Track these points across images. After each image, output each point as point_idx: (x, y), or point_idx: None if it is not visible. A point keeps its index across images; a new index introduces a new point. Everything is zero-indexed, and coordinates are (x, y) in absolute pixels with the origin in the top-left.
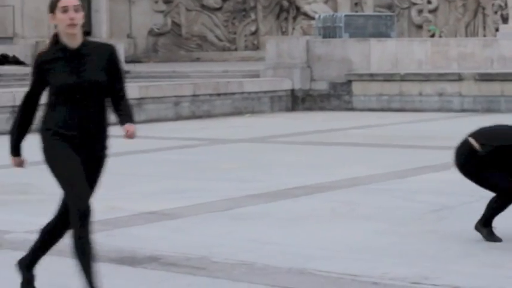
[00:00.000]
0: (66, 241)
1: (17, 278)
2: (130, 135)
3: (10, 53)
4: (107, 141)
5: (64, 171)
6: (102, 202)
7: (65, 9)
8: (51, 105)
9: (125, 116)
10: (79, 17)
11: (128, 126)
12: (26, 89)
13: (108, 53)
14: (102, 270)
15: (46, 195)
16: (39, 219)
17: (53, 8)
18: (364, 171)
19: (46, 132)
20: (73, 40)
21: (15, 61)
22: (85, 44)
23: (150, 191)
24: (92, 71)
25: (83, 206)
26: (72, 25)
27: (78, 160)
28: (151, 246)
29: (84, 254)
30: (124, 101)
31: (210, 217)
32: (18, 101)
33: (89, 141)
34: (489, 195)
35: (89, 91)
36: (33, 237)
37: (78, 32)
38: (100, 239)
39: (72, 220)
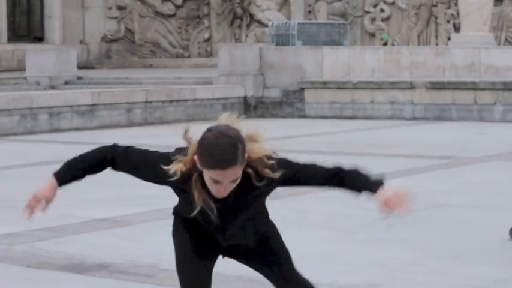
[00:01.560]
0: None
1: None
2: None
3: None
4: None
5: None
6: (52, 209)
7: (216, 182)
8: None
9: None
10: (233, 185)
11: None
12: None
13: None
14: (50, 277)
15: (3, 203)
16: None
17: (201, 164)
18: None
19: None
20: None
21: None
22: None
23: (101, 197)
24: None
25: None
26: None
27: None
28: (100, 254)
29: None
30: None
31: (161, 224)
32: None
33: None
34: (438, 202)
35: None
36: None
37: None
38: (49, 246)
39: None
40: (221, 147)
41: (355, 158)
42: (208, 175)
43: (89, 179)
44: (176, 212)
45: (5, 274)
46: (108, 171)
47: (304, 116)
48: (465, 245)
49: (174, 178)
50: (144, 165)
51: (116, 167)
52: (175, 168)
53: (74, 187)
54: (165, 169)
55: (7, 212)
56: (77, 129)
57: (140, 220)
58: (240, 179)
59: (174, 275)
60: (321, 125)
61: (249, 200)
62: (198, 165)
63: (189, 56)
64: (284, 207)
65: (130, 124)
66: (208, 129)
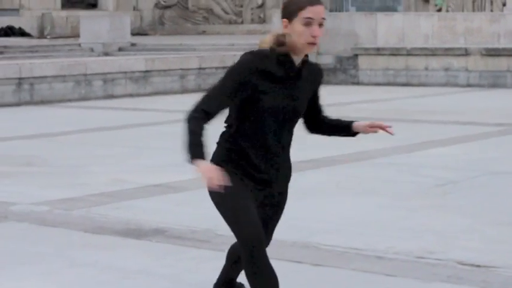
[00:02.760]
0: None
1: (22, 249)
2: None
3: (16, 25)
4: None
5: None
6: (107, 175)
7: (309, 22)
8: None
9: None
10: (321, 34)
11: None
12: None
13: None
14: (107, 242)
15: (51, 168)
16: (44, 191)
17: (290, 14)
18: (371, 146)
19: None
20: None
21: (21, 33)
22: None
23: (155, 163)
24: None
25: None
26: (313, 44)
27: None
28: (157, 219)
29: None
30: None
31: None
32: (24, 73)
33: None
34: (494, 170)
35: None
36: (39, 209)
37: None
38: (106, 211)
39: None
40: None
41: (409, 125)
42: (300, 19)
43: (142, 144)
44: (223, 159)
45: (62, 239)
46: (159, 140)
47: (358, 83)
48: None
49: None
50: (238, 84)
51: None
52: (264, 41)
53: (127, 153)
54: (246, 67)
55: (63, 177)
56: (131, 95)
57: (194, 186)
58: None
59: (230, 241)
60: (375, 91)
61: (308, 88)
62: (287, 20)
63: (242, 22)
64: (340, 174)
65: (184, 90)
66: None
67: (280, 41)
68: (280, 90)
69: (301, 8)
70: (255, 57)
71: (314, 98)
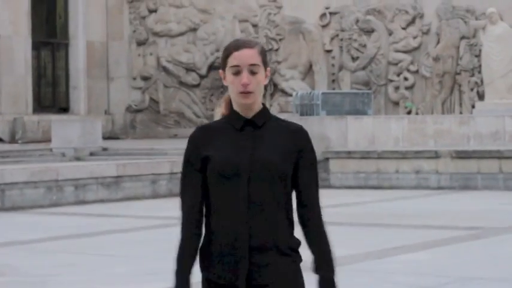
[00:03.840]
0: None
1: None
2: None
3: None
4: None
5: None
6: (79, 284)
7: (237, 70)
8: None
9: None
10: (252, 81)
11: None
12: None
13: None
14: None
15: (21, 277)
16: None
17: (223, 64)
18: (343, 252)
19: None
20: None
21: None
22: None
23: (128, 272)
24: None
25: None
26: (245, 93)
27: None
28: None
29: None
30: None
31: None
32: None
33: None
34: (467, 275)
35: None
36: None
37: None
38: None
39: None
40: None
41: (381, 229)
42: (228, 68)
43: (114, 252)
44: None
45: None
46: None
47: (329, 186)
48: None
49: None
50: (193, 166)
51: (204, 211)
52: (216, 112)
53: (100, 261)
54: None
55: (29, 286)
56: (102, 201)
57: None
58: (261, 86)
59: None
60: (346, 195)
61: (279, 142)
62: (222, 71)
63: None
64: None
65: (155, 196)
66: None
67: (229, 102)
68: (232, 144)
69: (228, 56)
70: (199, 130)
71: (298, 173)
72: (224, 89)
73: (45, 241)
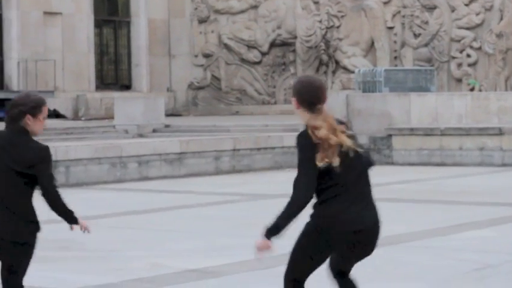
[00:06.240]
0: None
1: None
2: None
3: (51, 107)
4: None
5: None
6: (143, 259)
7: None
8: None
9: None
10: None
11: None
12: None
13: None
14: None
15: (87, 252)
16: (80, 276)
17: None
18: (406, 229)
19: None
20: None
21: (56, 115)
22: None
23: (191, 247)
24: None
25: None
26: None
27: None
28: None
29: None
30: None
31: (252, 276)
32: (59, 156)
33: None
34: None
35: None
36: None
37: None
38: None
39: None
40: None
41: (444, 206)
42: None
43: (177, 228)
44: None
45: None
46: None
47: (392, 163)
48: None
49: None
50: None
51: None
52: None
53: (163, 237)
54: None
55: (98, 263)
56: (165, 177)
57: (233, 271)
58: None
59: None
60: (409, 172)
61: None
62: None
63: (275, 103)
64: (377, 257)
65: (218, 172)
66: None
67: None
68: None
69: None
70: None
71: None
72: (286, 66)
73: (109, 217)
